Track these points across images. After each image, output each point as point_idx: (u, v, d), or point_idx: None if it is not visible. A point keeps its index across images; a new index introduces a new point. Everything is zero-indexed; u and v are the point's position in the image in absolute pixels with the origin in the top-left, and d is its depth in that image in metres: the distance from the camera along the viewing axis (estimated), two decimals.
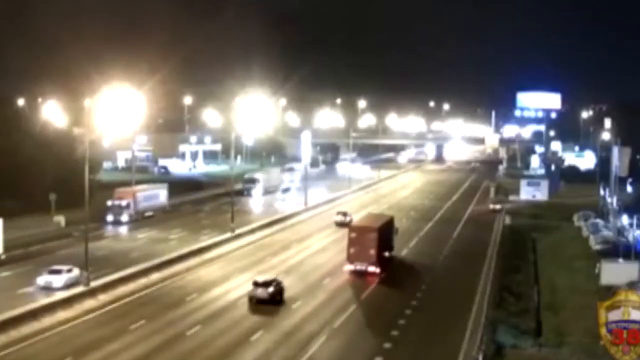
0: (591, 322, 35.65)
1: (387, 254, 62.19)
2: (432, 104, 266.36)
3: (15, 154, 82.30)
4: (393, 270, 60.39)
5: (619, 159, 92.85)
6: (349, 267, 58.31)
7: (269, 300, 47.62)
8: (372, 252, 57.95)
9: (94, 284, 49.44)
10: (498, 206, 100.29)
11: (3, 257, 58.68)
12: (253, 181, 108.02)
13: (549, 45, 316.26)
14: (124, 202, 79.90)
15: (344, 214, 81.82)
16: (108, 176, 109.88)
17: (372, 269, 57.62)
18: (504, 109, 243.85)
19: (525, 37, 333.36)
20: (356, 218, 75.54)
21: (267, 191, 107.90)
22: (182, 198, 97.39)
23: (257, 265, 60.85)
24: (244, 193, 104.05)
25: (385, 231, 61.67)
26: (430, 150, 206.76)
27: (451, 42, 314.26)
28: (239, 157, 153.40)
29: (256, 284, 48.68)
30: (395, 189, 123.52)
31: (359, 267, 57.89)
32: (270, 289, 48.39)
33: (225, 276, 56.86)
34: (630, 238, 72.63)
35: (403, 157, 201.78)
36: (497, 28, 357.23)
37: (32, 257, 61.53)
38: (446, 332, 43.97)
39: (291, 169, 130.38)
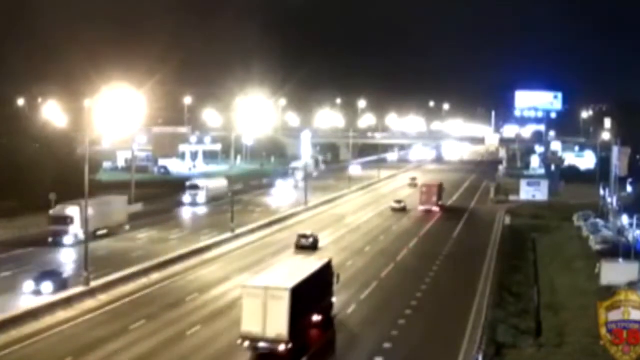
0: (591, 322, 35.67)
1: (441, 202, 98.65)
2: (432, 104, 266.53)
3: (15, 154, 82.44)
4: (393, 271, 60.45)
5: (619, 159, 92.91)
6: (422, 207, 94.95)
7: (310, 247, 64.23)
8: (434, 199, 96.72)
9: (94, 284, 49.42)
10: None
11: None
12: (196, 188, 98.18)
13: (549, 45, 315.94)
14: (66, 220, 66.29)
15: (399, 202, 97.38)
16: (108, 176, 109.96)
17: (435, 208, 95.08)
18: (504, 109, 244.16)
19: (526, 37, 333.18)
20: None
21: (213, 199, 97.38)
22: (159, 204, 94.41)
23: (257, 265, 60.82)
24: (184, 202, 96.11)
25: (441, 188, 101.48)
26: (420, 152, 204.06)
27: (451, 42, 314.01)
28: (239, 157, 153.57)
29: (301, 236, 68.05)
30: (395, 189, 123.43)
31: (427, 207, 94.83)
32: (311, 240, 67.52)
33: (226, 276, 56.85)
34: (630, 238, 72.62)
35: (394, 157, 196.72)
36: (497, 28, 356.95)
37: (32, 257, 61.58)
38: (446, 332, 43.93)
39: (295, 170, 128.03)
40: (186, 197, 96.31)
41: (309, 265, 45.24)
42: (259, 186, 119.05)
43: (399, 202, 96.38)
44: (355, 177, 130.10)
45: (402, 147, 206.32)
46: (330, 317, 44.91)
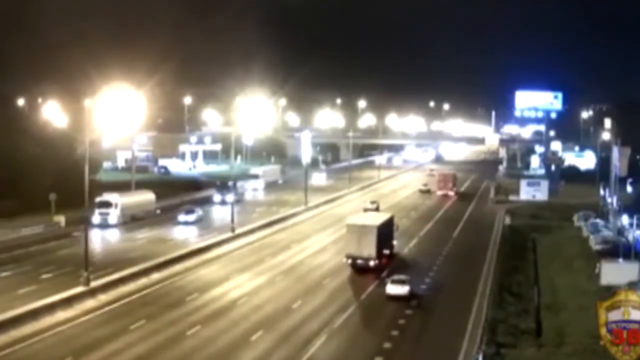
0: (591, 322, 35.66)
1: (455, 188, 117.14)
2: (432, 104, 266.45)
3: (15, 154, 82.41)
4: (393, 270, 60.49)
5: (618, 159, 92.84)
6: (440, 192, 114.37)
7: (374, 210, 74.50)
8: (450, 185, 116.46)
9: (94, 284, 49.44)
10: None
11: None
12: (107, 205, 77.93)
13: (549, 45, 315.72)
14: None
15: (425, 185, 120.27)
16: (108, 176, 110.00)
17: (450, 193, 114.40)
18: (503, 109, 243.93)
19: (525, 36, 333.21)
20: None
21: (132, 218, 79.73)
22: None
23: (257, 265, 60.92)
24: (92, 222, 74.12)
25: (455, 177, 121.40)
26: (412, 153, 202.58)
27: (451, 42, 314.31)
28: (239, 157, 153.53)
29: (367, 209, 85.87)
30: (395, 189, 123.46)
31: (444, 192, 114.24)
32: (375, 205, 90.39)
33: (226, 276, 56.88)
34: (630, 238, 72.59)
35: (384, 159, 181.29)
36: (497, 28, 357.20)
37: (32, 257, 61.62)
38: (446, 332, 43.97)
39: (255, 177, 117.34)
40: (95, 217, 75.98)
41: (382, 215, 67.72)
42: (193, 201, 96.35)
43: (425, 184, 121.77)
44: (317, 188, 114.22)
45: (394, 148, 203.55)
46: (392, 253, 64.00)
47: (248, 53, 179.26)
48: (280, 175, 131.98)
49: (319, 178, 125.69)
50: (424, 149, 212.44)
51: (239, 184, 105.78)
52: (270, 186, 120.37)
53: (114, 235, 74.02)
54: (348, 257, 58.33)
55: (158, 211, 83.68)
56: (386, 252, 61.41)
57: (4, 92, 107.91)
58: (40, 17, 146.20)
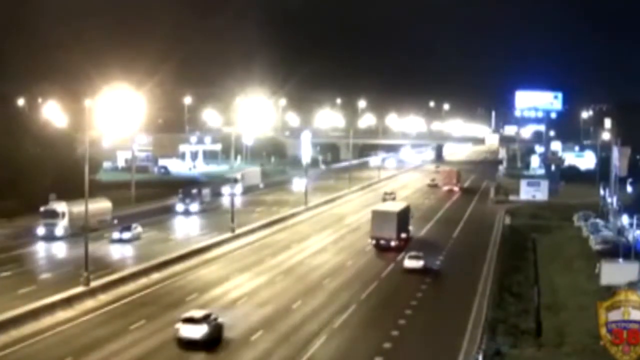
0: (591, 322, 35.66)
1: (459, 184, 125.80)
2: (432, 104, 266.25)
3: (15, 154, 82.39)
4: (392, 270, 60.50)
5: (618, 159, 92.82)
6: (445, 187, 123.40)
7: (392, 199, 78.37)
8: (454, 180, 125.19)
9: (94, 284, 49.41)
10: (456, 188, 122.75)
11: None
12: (54, 215, 69.48)
13: (549, 45, 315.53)
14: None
15: (433, 179, 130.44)
16: (108, 176, 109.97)
17: (455, 188, 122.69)
18: (503, 109, 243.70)
19: (525, 36, 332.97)
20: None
21: (84, 229, 56.57)
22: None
23: (257, 265, 60.90)
24: (37, 234, 68.14)
25: (459, 173, 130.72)
26: (407, 154, 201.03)
27: (451, 42, 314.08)
28: (239, 157, 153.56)
29: (386, 194, 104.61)
30: (395, 189, 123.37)
31: (449, 187, 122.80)
32: (393, 195, 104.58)
33: (226, 276, 56.87)
34: (630, 238, 72.58)
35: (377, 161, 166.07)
36: (497, 28, 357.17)
37: (32, 257, 61.59)
38: (446, 332, 43.97)
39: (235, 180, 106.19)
40: (40, 228, 68.79)
41: (400, 204, 79.59)
42: (153, 211, 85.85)
43: (432, 180, 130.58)
44: (317, 188, 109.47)
45: (393, 149, 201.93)
46: (408, 236, 73.65)
47: (248, 53, 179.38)
48: (261, 178, 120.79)
49: (299, 184, 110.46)
50: (420, 150, 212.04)
51: (205, 190, 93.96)
52: (251, 190, 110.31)
53: (55, 249, 66.00)
54: (373, 238, 69.11)
55: (115, 221, 74.59)
56: (404, 235, 71.48)
57: (4, 92, 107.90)
58: (40, 17, 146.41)
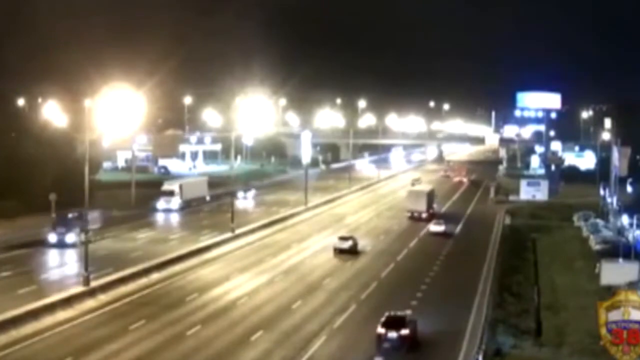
0: (591, 322, 35.66)
1: (467, 176, 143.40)
2: (432, 104, 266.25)
3: (15, 154, 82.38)
4: (392, 271, 60.53)
5: (618, 159, 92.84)
6: (456, 178, 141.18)
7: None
8: (464, 173, 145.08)
9: (94, 284, 49.43)
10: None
11: None
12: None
13: (549, 45, 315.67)
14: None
15: (446, 170, 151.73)
16: (108, 176, 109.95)
17: (464, 179, 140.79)
18: (504, 109, 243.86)
19: (526, 37, 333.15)
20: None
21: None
22: None
23: (257, 265, 60.91)
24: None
25: (467, 168, 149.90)
26: (397, 156, 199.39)
27: (451, 42, 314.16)
28: (239, 157, 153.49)
29: (413, 183, 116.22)
30: (395, 189, 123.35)
31: (459, 178, 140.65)
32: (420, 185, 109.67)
33: (226, 276, 56.87)
34: (630, 238, 72.62)
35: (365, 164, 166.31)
36: (497, 28, 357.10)
37: (32, 257, 61.59)
38: (446, 332, 43.95)
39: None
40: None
41: (428, 186, 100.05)
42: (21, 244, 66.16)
43: (445, 171, 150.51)
44: (317, 188, 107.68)
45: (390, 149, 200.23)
46: (434, 211, 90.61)
47: (248, 53, 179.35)
48: (208, 190, 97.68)
49: (245, 202, 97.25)
50: (421, 150, 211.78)
51: (92, 215, 64.15)
52: (193, 205, 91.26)
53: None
54: (409, 211, 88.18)
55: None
56: (430, 210, 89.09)
57: (4, 92, 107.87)
58: (40, 16, 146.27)
